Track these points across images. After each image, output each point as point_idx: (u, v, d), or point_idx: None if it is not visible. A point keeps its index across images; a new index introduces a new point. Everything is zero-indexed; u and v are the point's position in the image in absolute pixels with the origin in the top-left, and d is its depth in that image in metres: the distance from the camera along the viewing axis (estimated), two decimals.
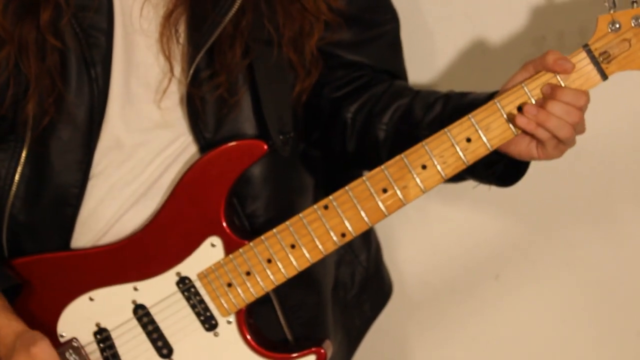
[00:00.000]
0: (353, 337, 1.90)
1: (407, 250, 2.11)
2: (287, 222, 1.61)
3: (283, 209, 1.69)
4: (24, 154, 1.65)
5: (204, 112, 1.64)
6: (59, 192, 1.66)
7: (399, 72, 1.81)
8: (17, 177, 1.65)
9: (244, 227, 1.69)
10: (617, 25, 1.53)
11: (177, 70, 1.64)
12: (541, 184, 1.92)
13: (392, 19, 1.79)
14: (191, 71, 1.61)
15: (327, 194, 1.62)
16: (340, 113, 1.75)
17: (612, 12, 1.53)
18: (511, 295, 2.07)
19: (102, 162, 1.66)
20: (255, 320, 1.70)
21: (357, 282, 1.89)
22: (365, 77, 1.76)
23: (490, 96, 1.58)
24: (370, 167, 1.59)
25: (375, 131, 1.72)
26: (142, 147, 1.66)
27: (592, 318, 2.05)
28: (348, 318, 1.87)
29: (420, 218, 2.07)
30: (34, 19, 1.59)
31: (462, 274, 2.08)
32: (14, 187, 1.65)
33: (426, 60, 1.97)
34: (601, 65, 1.53)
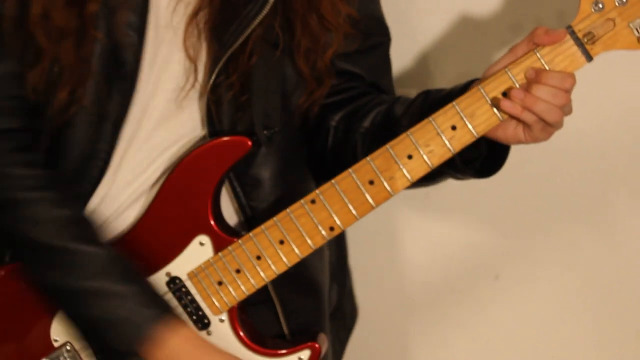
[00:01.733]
0: (337, 349, 1.89)
1: (406, 250, 2.10)
2: (275, 218, 1.60)
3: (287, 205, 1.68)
4: (45, 143, 1.64)
5: (220, 116, 1.63)
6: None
7: (388, 87, 1.81)
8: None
9: (245, 214, 1.68)
10: (601, 5, 1.51)
11: (199, 71, 1.63)
12: (541, 184, 1.91)
13: (384, 35, 1.79)
14: (214, 75, 1.60)
15: None
16: (325, 120, 1.75)
17: None
18: (511, 295, 2.06)
19: (116, 160, 1.65)
20: (255, 321, 1.69)
21: (336, 297, 1.88)
22: (356, 89, 1.75)
23: (467, 85, 1.57)
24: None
25: (355, 135, 1.71)
26: (146, 145, 1.65)
27: (592, 318, 2.03)
28: (332, 330, 1.86)
29: (420, 218, 2.06)
30: (79, 9, 1.57)
31: (462, 274, 2.07)
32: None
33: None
34: (585, 46, 1.51)
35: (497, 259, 2.05)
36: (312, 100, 1.71)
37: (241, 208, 1.69)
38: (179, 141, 1.66)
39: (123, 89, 1.61)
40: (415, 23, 1.95)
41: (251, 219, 1.69)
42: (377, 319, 1.95)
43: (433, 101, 1.62)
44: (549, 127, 1.53)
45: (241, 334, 1.64)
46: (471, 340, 2.09)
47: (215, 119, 1.63)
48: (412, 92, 1.70)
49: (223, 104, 1.64)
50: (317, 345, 1.66)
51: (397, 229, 2.08)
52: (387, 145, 1.56)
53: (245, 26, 1.59)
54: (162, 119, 1.65)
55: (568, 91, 1.51)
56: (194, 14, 1.61)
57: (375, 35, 1.76)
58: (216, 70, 1.60)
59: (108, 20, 1.59)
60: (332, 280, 1.87)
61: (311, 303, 1.76)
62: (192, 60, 1.62)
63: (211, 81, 1.60)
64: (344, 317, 1.92)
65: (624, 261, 1.98)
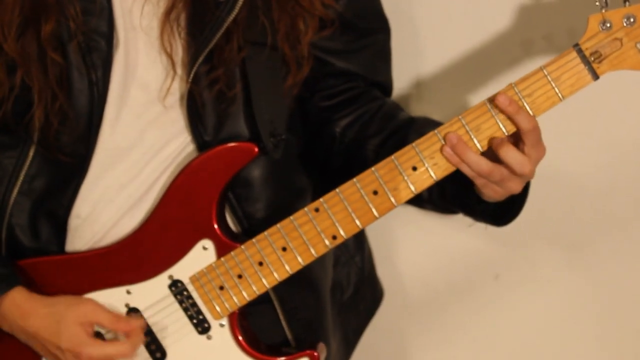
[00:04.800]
0: (350, 338, 1.90)
1: (406, 250, 2.10)
2: (278, 225, 1.61)
3: (282, 211, 1.69)
4: (31, 153, 1.66)
5: (204, 114, 1.65)
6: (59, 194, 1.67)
7: (386, 82, 1.81)
8: (22, 174, 1.67)
9: (243, 226, 1.70)
10: (608, 25, 1.51)
11: (178, 68, 1.64)
12: (541, 183, 1.89)
13: (384, 29, 1.79)
14: (193, 70, 1.61)
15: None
16: (329, 125, 1.75)
17: (603, 11, 1.51)
18: (511, 295, 2.06)
19: (97, 163, 1.66)
20: (256, 322, 1.70)
21: (353, 283, 1.88)
22: (357, 89, 1.76)
23: None
24: None
25: (366, 152, 1.72)
26: (137, 148, 1.66)
27: (592, 317, 2.03)
28: (345, 319, 1.87)
29: (420, 218, 2.06)
30: (35, 32, 1.60)
31: (462, 274, 2.07)
32: (18, 183, 1.67)
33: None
34: (592, 65, 1.52)
35: (497, 259, 2.05)
36: (294, 83, 1.70)
37: (232, 209, 1.70)
38: (170, 142, 1.67)
39: (94, 96, 1.62)
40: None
41: (243, 220, 1.70)
42: (377, 319, 1.95)
43: None
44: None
45: (240, 339, 1.65)
46: (471, 340, 2.10)
47: (199, 120, 1.64)
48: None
49: (207, 104, 1.64)
50: (315, 354, 1.67)
51: (397, 228, 2.08)
52: (392, 156, 1.57)
53: (223, 19, 1.59)
54: (150, 121, 1.65)
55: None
56: (167, 12, 1.62)
57: (372, 30, 1.77)
58: (196, 65, 1.61)
59: (72, 32, 1.60)
60: (348, 266, 1.87)
61: (310, 298, 1.77)
62: (170, 57, 1.62)
63: (191, 76, 1.61)
64: (363, 302, 1.92)
65: (624, 261, 1.99)
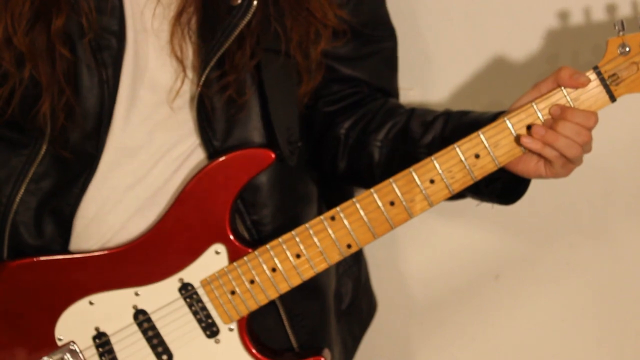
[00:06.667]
0: (349, 346, 1.91)
1: (407, 251, 2.11)
2: (293, 232, 1.61)
3: (289, 218, 1.69)
4: (42, 152, 1.64)
5: (214, 118, 1.64)
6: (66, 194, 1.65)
7: (392, 90, 1.83)
8: (31, 173, 1.65)
9: (251, 234, 1.69)
10: (627, 49, 1.55)
11: (188, 71, 1.63)
12: (541, 184, 1.92)
13: (390, 37, 1.81)
14: (204, 75, 1.60)
15: (327, 203, 1.61)
16: (333, 129, 1.76)
17: (621, 34, 1.55)
18: (511, 296, 2.08)
19: (105, 163, 1.64)
20: (261, 328, 1.70)
21: (351, 292, 1.89)
22: (360, 94, 1.77)
23: (495, 116, 1.60)
24: (362, 185, 1.60)
25: (370, 148, 1.73)
26: (145, 149, 1.65)
27: (592, 318, 2.06)
28: (344, 327, 1.88)
29: (421, 219, 2.05)
30: (45, 25, 1.58)
31: (462, 274, 2.08)
32: (26, 182, 1.65)
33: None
34: (610, 87, 1.56)
35: (497, 259, 2.07)
36: (306, 91, 1.71)
37: (239, 215, 1.69)
38: (179, 144, 1.66)
39: (105, 95, 1.61)
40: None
41: (250, 226, 1.69)
42: (377, 319, 1.96)
43: (456, 126, 1.65)
44: (569, 163, 1.57)
45: (249, 344, 1.65)
46: (471, 340, 2.12)
47: (208, 124, 1.64)
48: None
49: (217, 108, 1.64)
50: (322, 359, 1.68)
51: (398, 230, 2.06)
52: (411, 169, 1.58)
53: (236, 23, 1.59)
54: (159, 122, 1.65)
55: (590, 129, 1.56)
56: (178, 15, 1.61)
57: (378, 38, 1.78)
58: (207, 70, 1.60)
59: (83, 28, 1.59)
60: (345, 276, 1.88)
61: (315, 305, 1.78)
62: (180, 61, 1.62)
63: (202, 80, 1.60)
64: (359, 312, 1.93)
65: (624, 261, 2.01)
